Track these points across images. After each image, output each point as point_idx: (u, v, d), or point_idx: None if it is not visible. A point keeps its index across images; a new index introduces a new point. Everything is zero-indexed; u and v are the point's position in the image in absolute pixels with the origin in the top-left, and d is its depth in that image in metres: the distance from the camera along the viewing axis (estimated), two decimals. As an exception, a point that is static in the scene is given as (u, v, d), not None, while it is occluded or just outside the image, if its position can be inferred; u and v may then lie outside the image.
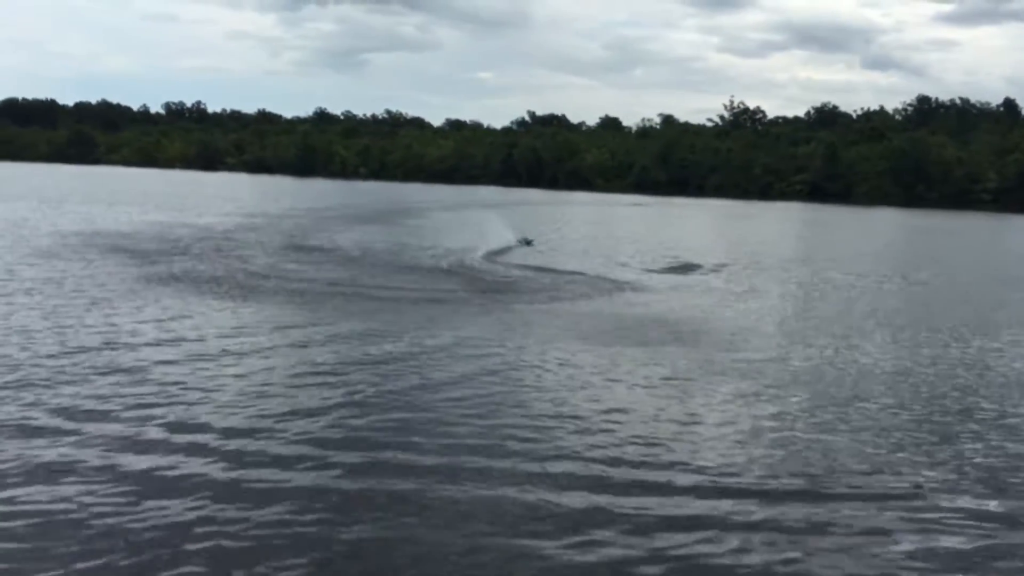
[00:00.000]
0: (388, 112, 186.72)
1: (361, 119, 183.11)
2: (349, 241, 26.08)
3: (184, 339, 11.15)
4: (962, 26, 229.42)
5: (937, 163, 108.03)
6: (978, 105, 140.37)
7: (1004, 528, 6.15)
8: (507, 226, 29.18)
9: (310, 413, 8.19)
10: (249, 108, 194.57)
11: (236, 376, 9.48)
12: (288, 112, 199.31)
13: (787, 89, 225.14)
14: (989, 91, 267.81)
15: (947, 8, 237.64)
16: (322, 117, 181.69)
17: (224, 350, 10.63)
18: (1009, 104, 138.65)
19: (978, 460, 7.64)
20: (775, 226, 50.45)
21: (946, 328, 14.71)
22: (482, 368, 10.24)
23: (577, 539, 5.71)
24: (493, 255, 23.60)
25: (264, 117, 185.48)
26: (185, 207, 41.17)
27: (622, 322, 13.82)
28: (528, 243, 27.02)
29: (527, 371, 10.24)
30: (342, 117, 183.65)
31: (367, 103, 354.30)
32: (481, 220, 33.45)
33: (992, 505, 6.55)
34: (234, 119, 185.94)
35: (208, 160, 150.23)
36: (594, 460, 7.22)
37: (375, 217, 40.63)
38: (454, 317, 13.58)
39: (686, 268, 23.46)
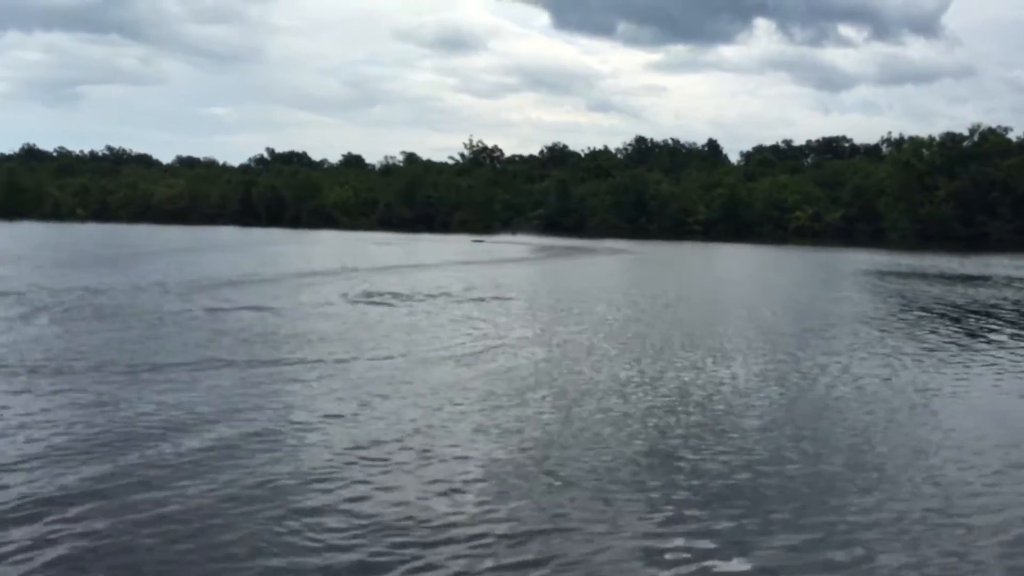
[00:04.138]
0: (109, 148, 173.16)
1: (78, 156, 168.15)
2: (70, 290, 23.19)
3: None
4: (670, 74, 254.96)
5: (655, 197, 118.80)
6: (687, 145, 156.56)
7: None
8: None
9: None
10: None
11: None
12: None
13: (521, 129, 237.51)
14: (696, 132, 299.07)
15: (655, 58, 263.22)
16: (31, 154, 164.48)
17: None
18: (712, 144, 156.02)
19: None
20: (516, 255, 52.36)
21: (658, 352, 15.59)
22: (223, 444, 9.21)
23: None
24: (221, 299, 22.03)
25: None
26: None
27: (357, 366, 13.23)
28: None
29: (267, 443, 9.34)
30: (55, 154, 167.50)
31: (84, 139, 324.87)
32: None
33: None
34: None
35: None
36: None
37: (99, 262, 36.89)
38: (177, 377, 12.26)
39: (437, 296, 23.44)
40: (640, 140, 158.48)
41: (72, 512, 6.69)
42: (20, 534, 6.25)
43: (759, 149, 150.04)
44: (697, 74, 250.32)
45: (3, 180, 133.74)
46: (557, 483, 7.83)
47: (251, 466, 8.00)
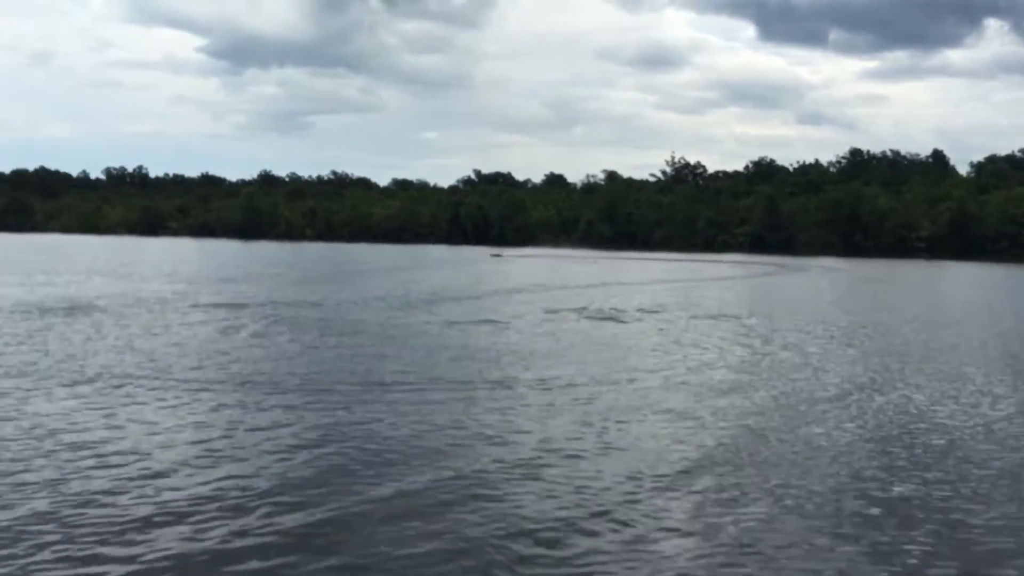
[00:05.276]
0: (334, 173, 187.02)
1: (307, 180, 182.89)
2: (311, 303, 25.44)
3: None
4: (888, 82, 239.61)
5: (872, 212, 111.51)
6: (908, 156, 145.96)
7: None
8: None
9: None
10: (192, 172, 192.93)
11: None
12: (232, 175, 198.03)
13: (725, 144, 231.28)
14: (918, 143, 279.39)
15: (872, 65, 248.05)
16: (267, 179, 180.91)
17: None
18: (938, 155, 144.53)
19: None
20: (728, 273, 51.07)
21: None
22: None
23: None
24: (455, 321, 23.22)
25: (208, 180, 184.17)
26: (182, 275, 39.99)
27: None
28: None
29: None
30: (287, 179, 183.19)
31: (312, 164, 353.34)
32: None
33: None
34: (177, 183, 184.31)
35: (150, 225, 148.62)
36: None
37: (327, 279, 40.08)
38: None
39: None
40: (855, 152, 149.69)
41: (294, 515, 7.38)
42: (248, 524, 6.98)
43: (992, 159, 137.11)
44: (919, 81, 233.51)
45: (243, 204, 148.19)
46: (802, 525, 7.62)
47: (484, 496, 8.41)
